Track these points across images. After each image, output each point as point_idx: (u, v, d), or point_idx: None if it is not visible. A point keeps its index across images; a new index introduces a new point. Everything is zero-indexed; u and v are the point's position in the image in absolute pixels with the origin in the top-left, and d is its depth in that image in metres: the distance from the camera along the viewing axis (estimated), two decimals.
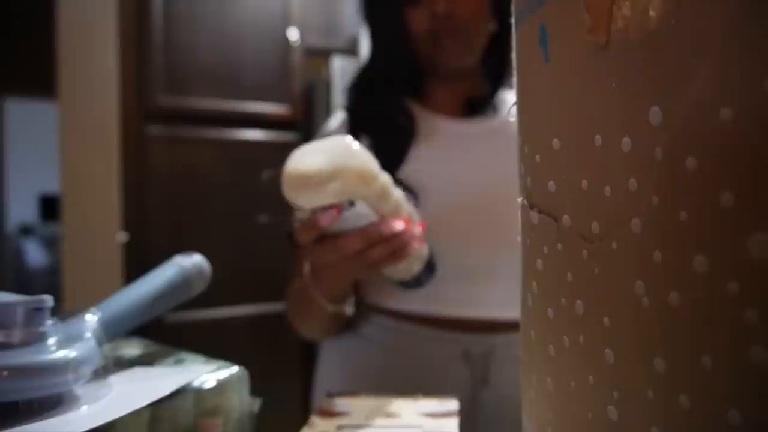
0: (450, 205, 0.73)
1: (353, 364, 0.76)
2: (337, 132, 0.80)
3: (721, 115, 0.15)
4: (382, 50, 0.81)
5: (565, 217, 0.22)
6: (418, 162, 0.75)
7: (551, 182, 0.22)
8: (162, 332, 0.79)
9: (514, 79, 0.26)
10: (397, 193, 0.55)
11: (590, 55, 0.19)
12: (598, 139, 0.19)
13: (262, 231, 2.06)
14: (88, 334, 0.34)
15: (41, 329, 0.31)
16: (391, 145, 0.75)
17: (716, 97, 0.15)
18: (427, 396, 0.46)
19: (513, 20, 0.26)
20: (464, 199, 0.73)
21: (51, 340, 0.31)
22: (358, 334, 0.76)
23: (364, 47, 2.20)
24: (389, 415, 0.41)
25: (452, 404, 0.44)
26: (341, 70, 2.08)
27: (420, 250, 0.58)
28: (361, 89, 0.83)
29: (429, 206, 0.72)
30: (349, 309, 0.68)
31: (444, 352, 0.71)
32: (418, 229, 0.55)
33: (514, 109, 0.26)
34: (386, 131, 0.77)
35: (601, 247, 0.19)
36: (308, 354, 2.16)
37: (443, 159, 0.76)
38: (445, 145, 0.77)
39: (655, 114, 0.17)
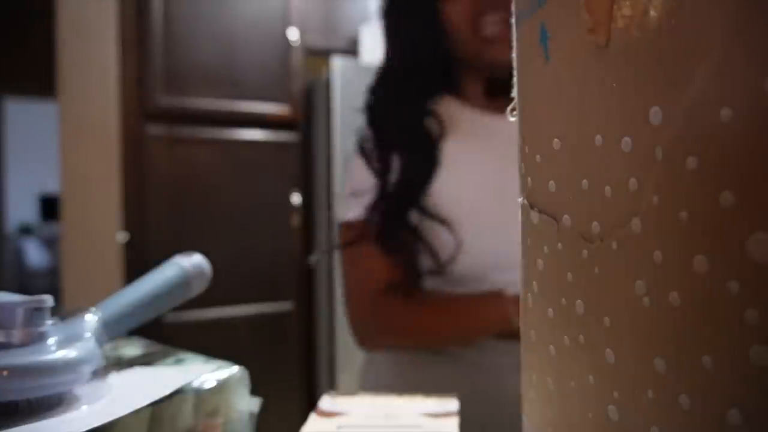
0: (499, 212, 0.70)
1: (422, 378, 0.73)
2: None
3: (721, 115, 0.15)
4: (415, 48, 0.75)
5: (565, 217, 0.22)
6: (456, 169, 0.72)
7: (551, 182, 0.22)
8: (162, 332, 0.79)
9: (515, 79, 0.26)
10: None
11: (590, 55, 0.19)
12: (598, 139, 0.19)
13: (262, 231, 2.06)
14: (88, 334, 0.34)
15: (41, 329, 0.31)
16: (421, 158, 0.73)
17: (716, 97, 0.15)
18: (427, 396, 0.46)
19: (513, 20, 0.26)
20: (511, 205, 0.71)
21: (51, 340, 0.31)
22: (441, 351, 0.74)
23: (365, 47, 2.20)
24: (389, 415, 0.41)
25: (452, 404, 0.44)
26: (341, 70, 2.07)
27: None
28: (385, 97, 0.78)
29: (475, 216, 0.70)
30: None
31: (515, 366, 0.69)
32: None
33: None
34: (415, 144, 0.74)
35: (601, 247, 0.19)
36: (308, 354, 2.16)
37: (486, 165, 0.73)
38: (487, 146, 0.74)
39: (655, 114, 0.17)
